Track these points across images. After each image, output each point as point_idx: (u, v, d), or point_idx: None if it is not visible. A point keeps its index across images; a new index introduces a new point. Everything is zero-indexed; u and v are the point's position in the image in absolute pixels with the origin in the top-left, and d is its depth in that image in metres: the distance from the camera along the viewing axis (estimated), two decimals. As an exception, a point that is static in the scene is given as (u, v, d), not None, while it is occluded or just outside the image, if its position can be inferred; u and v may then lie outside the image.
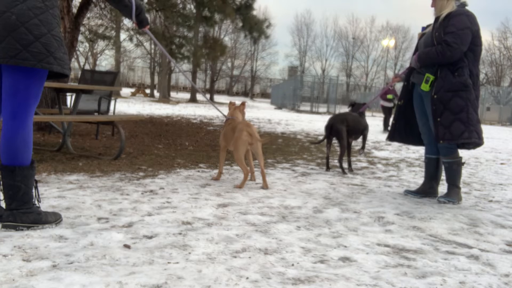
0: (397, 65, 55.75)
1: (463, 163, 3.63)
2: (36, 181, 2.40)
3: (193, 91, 34.57)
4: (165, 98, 29.46)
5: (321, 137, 5.23)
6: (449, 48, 3.33)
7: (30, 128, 2.30)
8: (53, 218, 2.36)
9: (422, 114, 3.69)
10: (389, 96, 12.48)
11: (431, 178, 3.79)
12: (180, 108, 19.29)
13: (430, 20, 3.67)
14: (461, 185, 3.69)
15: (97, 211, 2.71)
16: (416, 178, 4.78)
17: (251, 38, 10.87)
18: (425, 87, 3.50)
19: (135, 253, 2.04)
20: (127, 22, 12.72)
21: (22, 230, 2.24)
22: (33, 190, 2.36)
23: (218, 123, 11.39)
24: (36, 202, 2.38)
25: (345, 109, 28.63)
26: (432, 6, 3.60)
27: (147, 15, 3.28)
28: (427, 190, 3.76)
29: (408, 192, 3.84)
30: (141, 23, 2.99)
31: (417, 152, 7.28)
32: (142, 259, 1.97)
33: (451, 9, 3.45)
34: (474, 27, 3.40)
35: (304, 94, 28.57)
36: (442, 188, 4.24)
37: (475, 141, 3.40)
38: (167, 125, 9.91)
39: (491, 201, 3.77)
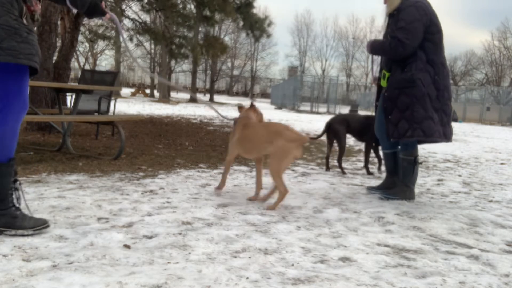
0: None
1: (420, 163, 3.61)
2: (17, 181, 2.26)
3: (193, 91, 34.55)
4: (165, 98, 29.44)
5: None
6: (401, 44, 3.30)
7: (10, 126, 2.18)
8: (31, 224, 2.19)
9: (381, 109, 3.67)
10: None
11: (391, 173, 3.73)
12: (180, 108, 19.28)
13: None
14: (412, 185, 3.56)
15: (97, 211, 2.71)
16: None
17: (252, 36, 10.86)
18: (383, 83, 3.54)
19: (135, 253, 2.04)
20: (127, 22, 12.70)
21: None
22: (13, 191, 2.21)
23: (218, 123, 11.39)
24: (16, 204, 2.23)
25: (345, 109, 28.33)
26: (384, 3, 3.58)
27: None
28: (389, 186, 3.68)
29: (370, 189, 3.78)
30: (87, 14, 2.43)
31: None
32: (142, 259, 1.97)
33: (400, 2, 3.41)
34: (425, 17, 3.33)
35: (304, 94, 28.56)
36: (442, 188, 4.24)
37: (420, 139, 3.37)
38: (167, 125, 9.90)
39: (491, 201, 3.77)
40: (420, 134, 3.32)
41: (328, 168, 4.94)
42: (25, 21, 2.19)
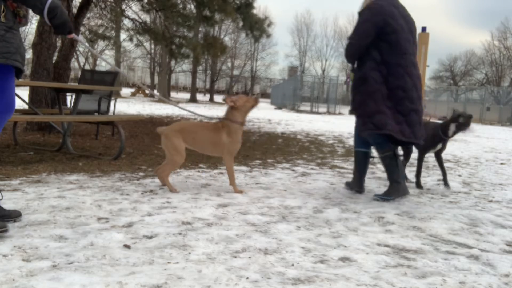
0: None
1: (393, 155, 3.51)
2: None
3: (193, 91, 34.55)
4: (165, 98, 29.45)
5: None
6: (350, 45, 3.50)
7: None
8: None
9: None
10: None
11: (359, 172, 3.80)
12: (180, 108, 19.28)
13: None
14: (401, 180, 3.51)
15: (97, 211, 2.71)
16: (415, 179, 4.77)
17: (252, 37, 10.84)
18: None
19: (135, 253, 2.04)
20: (127, 22, 12.69)
21: None
22: None
23: (218, 123, 11.37)
24: None
25: (345, 109, 28.11)
26: None
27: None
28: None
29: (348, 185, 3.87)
30: (57, 28, 2.37)
31: (417, 152, 7.26)
32: (142, 259, 1.97)
33: (366, 4, 3.55)
34: (377, 17, 3.38)
35: (304, 94, 28.55)
36: (442, 188, 4.24)
37: (371, 132, 3.44)
38: (167, 125, 9.90)
39: (491, 201, 3.77)
40: (371, 127, 3.42)
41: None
42: (2, 19, 2.13)
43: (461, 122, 3.94)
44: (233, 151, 3.49)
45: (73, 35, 2.55)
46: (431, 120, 4.79)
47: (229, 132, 3.44)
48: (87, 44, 3.29)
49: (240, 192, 3.46)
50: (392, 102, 3.40)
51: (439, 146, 4.14)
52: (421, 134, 3.54)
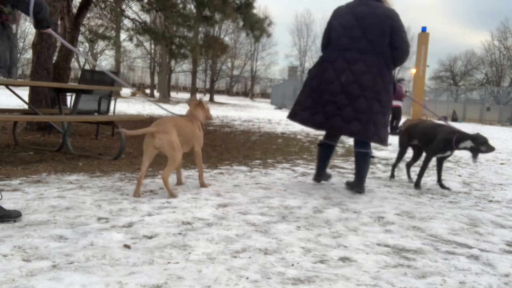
0: (397, 65, 55.48)
1: (321, 144, 4.02)
2: None
3: (193, 91, 34.55)
4: (165, 98, 29.44)
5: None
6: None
7: None
8: None
9: None
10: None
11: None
12: (180, 108, 19.26)
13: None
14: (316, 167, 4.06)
15: (97, 211, 2.71)
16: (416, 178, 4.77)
17: (252, 36, 10.86)
18: None
19: (135, 253, 2.04)
20: (127, 22, 12.69)
21: None
22: None
23: (218, 123, 11.38)
24: None
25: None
26: None
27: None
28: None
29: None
30: (41, 21, 2.55)
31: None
32: (142, 259, 1.97)
33: None
34: (331, 19, 3.81)
35: (304, 94, 28.57)
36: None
37: (289, 119, 3.86)
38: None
39: (491, 201, 3.77)
40: (288, 115, 3.90)
41: (393, 176, 4.68)
42: None
43: (480, 149, 3.94)
44: (201, 144, 3.66)
45: (49, 30, 2.69)
46: (429, 119, 4.81)
47: (199, 126, 3.61)
48: (61, 39, 3.39)
49: (207, 186, 3.63)
50: (317, 95, 3.68)
51: (449, 153, 4.12)
52: (372, 132, 3.54)
